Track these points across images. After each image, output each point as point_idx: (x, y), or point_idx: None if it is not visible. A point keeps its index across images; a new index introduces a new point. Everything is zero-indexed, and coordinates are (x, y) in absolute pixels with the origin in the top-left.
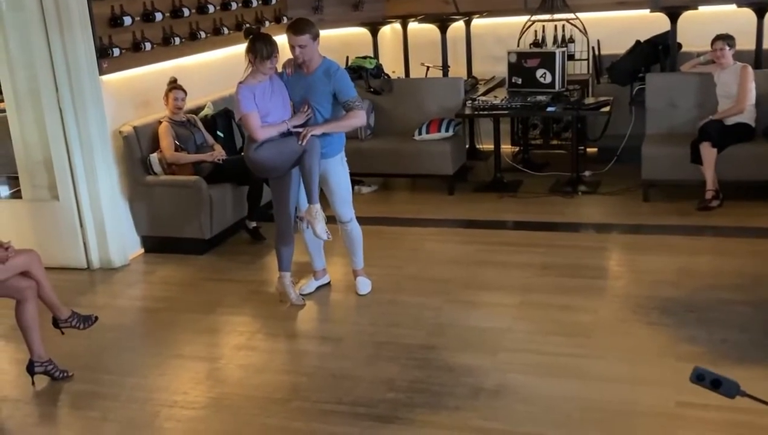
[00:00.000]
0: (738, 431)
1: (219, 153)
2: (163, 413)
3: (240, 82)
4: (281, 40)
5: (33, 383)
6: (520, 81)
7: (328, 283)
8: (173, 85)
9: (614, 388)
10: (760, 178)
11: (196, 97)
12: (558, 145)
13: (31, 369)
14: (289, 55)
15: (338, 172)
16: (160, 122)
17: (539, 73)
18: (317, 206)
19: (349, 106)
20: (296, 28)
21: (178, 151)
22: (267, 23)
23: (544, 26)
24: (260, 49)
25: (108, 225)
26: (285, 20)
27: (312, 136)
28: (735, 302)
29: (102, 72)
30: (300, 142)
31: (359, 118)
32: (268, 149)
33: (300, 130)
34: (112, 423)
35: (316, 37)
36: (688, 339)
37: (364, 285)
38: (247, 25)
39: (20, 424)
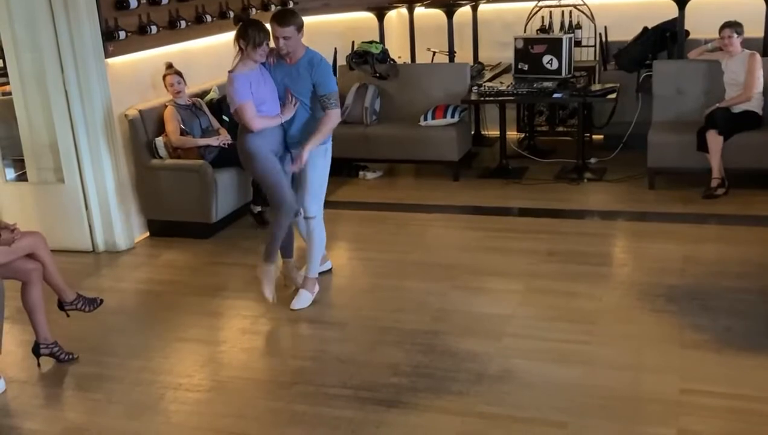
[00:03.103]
0: (742, 418)
1: (224, 137)
2: (167, 396)
3: (231, 71)
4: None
5: (38, 365)
6: (526, 67)
7: (330, 270)
8: (168, 70)
9: (618, 375)
10: (767, 167)
11: (201, 82)
12: (564, 131)
13: (36, 351)
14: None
15: (317, 163)
16: (166, 106)
17: (546, 59)
18: (272, 269)
19: (324, 104)
20: (281, 19)
21: (184, 135)
22: (272, 7)
23: (551, 12)
24: (253, 35)
25: (113, 208)
26: (291, 4)
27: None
28: (740, 290)
29: (108, 55)
30: (294, 167)
31: (334, 119)
32: (264, 163)
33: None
34: (116, 405)
35: (300, 28)
36: (693, 326)
37: (303, 300)
38: (242, 11)
39: (26, 406)
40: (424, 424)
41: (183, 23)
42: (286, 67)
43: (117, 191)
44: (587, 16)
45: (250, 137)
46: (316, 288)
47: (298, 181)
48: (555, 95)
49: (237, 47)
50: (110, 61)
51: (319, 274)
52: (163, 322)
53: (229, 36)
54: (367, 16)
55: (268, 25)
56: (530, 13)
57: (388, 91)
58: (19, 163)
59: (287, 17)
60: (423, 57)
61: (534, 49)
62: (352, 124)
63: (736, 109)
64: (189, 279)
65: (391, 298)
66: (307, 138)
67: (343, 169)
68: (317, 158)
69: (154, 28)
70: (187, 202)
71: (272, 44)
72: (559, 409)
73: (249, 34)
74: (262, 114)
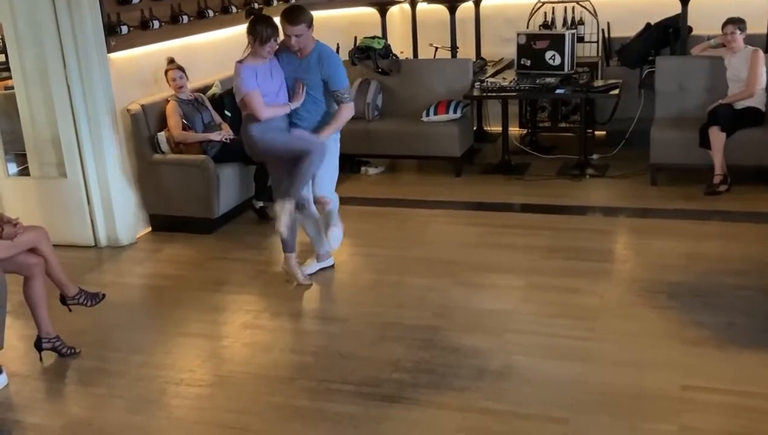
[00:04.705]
0: (743, 415)
1: (226, 132)
2: (169, 390)
3: (239, 62)
4: (277, 21)
5: (41, 359)
6: (529, 63)
7: (332, 266)
8: (170, 65)
9: (620, 371)
10: None
11: (203, 77)
12: (566, 127)
13: (38, 345)
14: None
15: (328, 151)
16: (168, 101)
17: (548, 55)
18: (290, 205)
19: (338, 98)
20: (291, 17)
21: (186, 129)
22: (275, 2)
23: (553, 8)
24: (261, 31)
25: (115, 203)
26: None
27: (322, 140)
28: (741, 287)
29: (110, 50)
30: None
31: (349, 111)
32: (273, 137)
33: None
34: (119, 399)
35: (310, 24)
36: (694, 323)
37: (335, 237)
38: (245, 6)
39: (28, 400)
40: (425, 419)
41: (185, 18)
42: (296, 60)
43: (119, 186)
44: (590, 12)
45: (253, 127)
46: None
47: None
48: (557, 91)
49: (247, 41)
50: (112, 55)
51: (321, 269)
52: (166, 317)
53: (230, 31)
54: (370, 12)
55: (277, 19)
56: (533, 8)
57: (391, 87)
58: (21, 158)
59: (297, 16)
60: (425, 52)
61: (537, 45)
62: (354, 120)
63: (739, 105)
64: (191, 274)
65: (392, 293)
66: (316, 128)
67: (345, 164)
68: (327, 145)
69: (156, 23)
70: (190, 197)
71: (281, 38)
72: (561, 405)
73: (258, 30)
74: (270, 104)
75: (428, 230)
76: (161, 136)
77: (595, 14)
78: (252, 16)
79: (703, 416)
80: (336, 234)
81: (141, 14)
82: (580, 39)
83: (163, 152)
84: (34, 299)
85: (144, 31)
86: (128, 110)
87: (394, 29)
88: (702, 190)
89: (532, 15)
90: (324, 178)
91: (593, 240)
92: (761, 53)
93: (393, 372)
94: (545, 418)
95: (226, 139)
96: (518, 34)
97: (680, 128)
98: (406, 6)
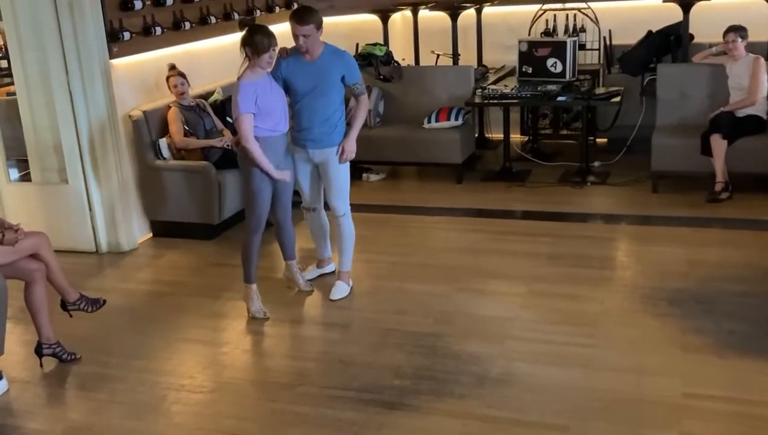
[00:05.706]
0: (744, 422)
1: (228, 138)
2: (170, 397)
3: (239, 78)
4: (279, 28)
5: (41, 365)
6: (530, 70)
7: (333, 272)
8: (171, 71)
9: (620, 378)
10: None
11: (205, 83)
12: (568, 135)
13: (39, 351)
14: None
15: (338, 162)
16: (169, 107)
17: (550, 62)
18: (254, 288)
19: (358, 90)
20: (300, 17)
21: (188, 136)
22: (277, 9)
23: (555, 15)
24: (259, 41)
25: (117, 209)
26: (295, 5)
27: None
28: (743, 294)
29: (112, 56)
30: (343, 159)
31: (366, 103)
32: (261, 176)
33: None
34: (119, 405)
35: (320, 25)
36: (696, 330)
37: (341, 290)
38: (246, 14)
39: (28, 405)
40: (426, 426)
41: (187, 24)
42: (309, 63)
43: (120, 192)
44: (591, 20)
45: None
46: (351, 282)
47: (322, 182)
48: (559, 98)
49: (243, 54)
50: (114, 61)
51: (322, 275)
52: (166, 322)
53: (233, 37)
54: (372, 19)
55: (275, 27)
56: (534, 16)
57: (392, 94)
58: (22, 164)
59: (306, 16)
60: (427, 59)
61: (538, 52)
62: None
63: (741, 113)
64: (192, 280)
65: (393, 300)
66: (327, 135)
67: None
68: (337, 157)
69: (158, 29)
70: (191, 203)
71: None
72: (561, 413)
73: (256, 41)
74: (264, 129)
75: (429, 237)
76: (163, 142)
77: (596, 22)
78: (246, 27)
79: (704, 423)
80: (341, 288)
81: (143, 20)
82: (582, 46)
83: (164, 158)
84: (34, 305)
85: (146, 37)
86: (130, 116)
87: (395, 36)
88: (703, 197)
89: (533, 22)
90: (336, 188)
91: (594, 247)
92: (762, 61)
93: (394, 378)
94: (546, 425)
95: (227, 145)
96: (520, 42)
97: (682, 136)
98: (408, 13)
